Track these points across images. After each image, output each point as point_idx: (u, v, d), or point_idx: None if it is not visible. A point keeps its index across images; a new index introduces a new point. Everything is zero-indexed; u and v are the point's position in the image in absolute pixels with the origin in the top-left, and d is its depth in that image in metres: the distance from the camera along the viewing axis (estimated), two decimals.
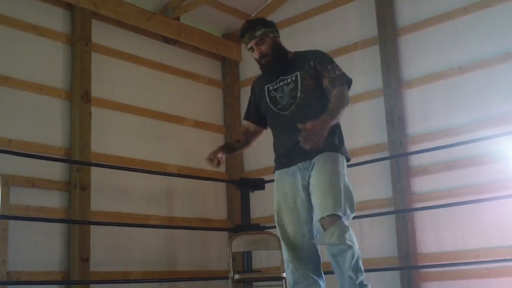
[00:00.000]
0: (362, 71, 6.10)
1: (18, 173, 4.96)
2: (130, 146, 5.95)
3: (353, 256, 3.01)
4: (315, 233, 3.17)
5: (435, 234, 5.38)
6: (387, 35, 5.83)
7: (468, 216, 5.14)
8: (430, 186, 5.46)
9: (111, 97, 5.86)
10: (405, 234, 5.43)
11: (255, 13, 7.00)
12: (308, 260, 3.18)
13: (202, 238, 6.33)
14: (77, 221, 5.21)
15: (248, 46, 3.28)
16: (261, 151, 6.75)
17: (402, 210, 5.45)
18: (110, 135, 5.81)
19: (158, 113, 6.25)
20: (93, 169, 5.44)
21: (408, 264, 5.33)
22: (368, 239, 5.80)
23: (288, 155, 3.22)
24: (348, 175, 3.20)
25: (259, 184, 5.77)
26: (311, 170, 3.13)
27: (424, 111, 5.63)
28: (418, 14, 5.74)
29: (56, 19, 5.59)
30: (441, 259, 5.24)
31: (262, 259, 6.21)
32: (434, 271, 5.29)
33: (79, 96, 5.48)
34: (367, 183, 5.87)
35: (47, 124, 5.37)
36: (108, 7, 5.81)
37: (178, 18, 6.51)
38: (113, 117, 5.87)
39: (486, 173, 5.10)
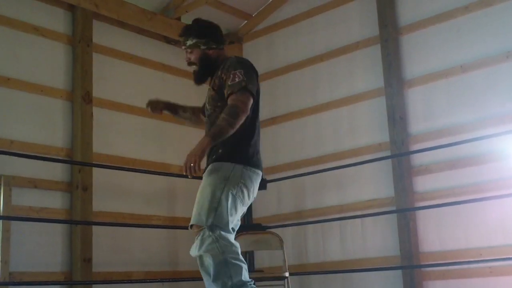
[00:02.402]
0: (364, 70, 6.10)
1: (20, 174, 4.97)
2: (131, 147, 5.96)
3: (218, 264, 2.96)
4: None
5: (438, 233, 5.37)
6: (389, 34, 5.83)
7: (471, 215, 5.13)
8: (432, 185, 5.45)
9: (112, 98, 5.87)
10: (407, 233, 5.42)
11: (256, 13, 7.00)
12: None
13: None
14: (79, 221, 5.21)
15: (182, 48, 3.41)
16: (263, 151, 6.75)
17: (404, 209, 5.44)
18: (111, 135, 5.81)
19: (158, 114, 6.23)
20: (95, 170, 5.44)
21: (411, 263, 5.33)
22: (371, 238, 5.80)
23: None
24: (239, 184, 3.11)
25: (261, 184, 5.71)
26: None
27: (426, 110, 5.62)
28: (419, 13, 5.74)
29: (57, 20, 5.59)
30: (443, 258, 5.24)
31: (264, 259, 6.21)
32: (437, 270, 5.28)
33: (80, 97, 5.48)
34: (369, 182, 5.87)
35: (49, 125, 5.37)
36: (109, 7, 5.81)
37: (179, 18, 6.51)
38: (114, 117, 5.87)
39: (488, 171, 5.09)
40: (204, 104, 3.40)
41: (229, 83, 3.12)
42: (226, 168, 3.10)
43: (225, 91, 3.14)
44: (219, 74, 3.23)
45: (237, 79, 3.11)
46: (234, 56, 3.35)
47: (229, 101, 3.08)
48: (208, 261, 2.98)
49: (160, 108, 3.56)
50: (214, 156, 3.16)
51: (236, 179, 3.09)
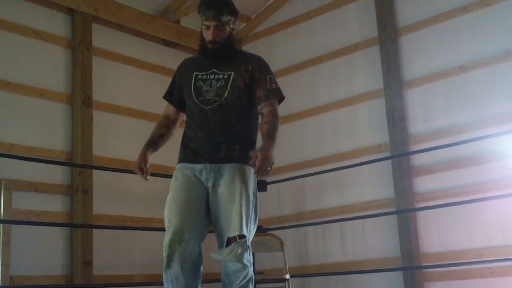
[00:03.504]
0: (363, 72, 6.11)
1: (20, 178, 4.97)
2: (131, 149, 5.90)
3: (245, 277, 2.94)
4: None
5: (438, 233, 5.37)
6: (388, 35, 5.83)
7: (471, 215, 5.13)
8: (432, 186, 5.45)
9: (112, 101, 5.87)
10: (408, 234, 5.42)
11: (255, 15, 7.01)
12: (191, 260, 2.98)
13: (205, 240, 6.31)
14: (80, 224, 5.22)
15: (207, 23, 3.02)
16: None
17: (404, 210, 5.44)
18: (111, 138, 5.81)
19: (159, 116, 6.20)
20: (95, 173, 5.45)
21: (411, 264, 5.32)
22: (371, 239, 5.79)
23: (199, 152, 3.02)
24: (255, 189, 3.09)
25: (262, 186, 5.73)
26: (220, 178, 2.98)
27: (425, 110, 5.62)
28: (418, 13, 5.74)
29: (57, 24, 5.60)
30: (444, 259, 5.23)
31: (264, 261, 6.20)
32: (437, 271, 5.28)
33: (80, 100, 5.49)
34: (369, 183, 5.87)
35: (49, 128, 5.38)
36: (109, 11, 5.82)
37: (178, 21, 6.53)
38: (114, 120, 5.88)
39: (488, 171, 5.09)
40: (196, 92, 3.09)
41: (268, 87, 3.09)
42: (249, 173, 3.02)
43: (260, 92, 3.08)
44: (249, 68, 3.10)
45: (274, 86, 3.13)
46: (257, 55, 3.27)
47: (269, 108, 3.05)
48: (243, 272, 2.93)
49: (148, 169, 3.20)
50: (235, 154, 3.01)
51: (255, 186, 3.10)
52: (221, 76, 3.07)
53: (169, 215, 2.97)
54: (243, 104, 3.07)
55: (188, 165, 3.05)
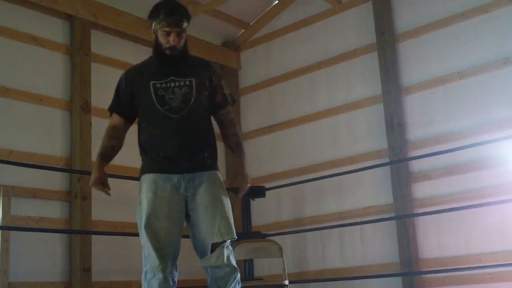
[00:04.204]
0: (361, 78, 6.12)
1: (19, 184, 4.96)
2: (130, 155, 5.89)
3: (234, 279, 2.96)
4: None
5: (437, 239, 5.37)
6: (386, 41, 5.85)
7: (470, 221, 5.14)
8: (431, 191, 5.45)
9: None
10: (407, 240, 5.42)
11: (253, 21, 7.03)
12: (172, 271, 2.99)
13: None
14: (78, 231, 5.21)
15: (167, 29, 2.97)
16: (261, 159, 6.78)
17: (403, 216, 5.45)
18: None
19: None
20: None
21: (410, 270, 5.32)
22: (370, 245, 5.79)
23: (174, 161, 2.97)
24: None
25: (260, 192, 5.76)
26: (199, 186, 2.98)
27: (424, 116, 5.63)
28: (416, 20, 5.76)
29: (56, 30, 5.60)
30: (443, 264, 5.23)
31: (263, 267, 6.20)
32: (437, 277, 5.28)
33: (79, 106, 5.49)
34: (368, 189, 5.87)
35: (48, 135, 5.37)
36: (108, 17, 5.83)
37: None
38: None
39: (487, 177, 5.10)
40: (150, 100, 3.02)
41: (225, 92, 3.16)
42: (222, 179, 3.12)
43: (219, 98, 3.14)
44: (207, 74, 3.11)
45: (227, 91, 3.20)
46: (209, 61, 3.29)
47: (231, 116, 3.17)
48: (233, 275, 2.96)
49: (107, 186, 3.22)
50: (208, 162, 3.05)
51: None
52: (182, 83, 3.03)
53: (153, 235, 2.91)
54: (206, 110, 3.12)
55: (165, 175, 2.98)
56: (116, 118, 3.19)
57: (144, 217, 2.94)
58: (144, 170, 3.08)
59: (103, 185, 3.16)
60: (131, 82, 3.15)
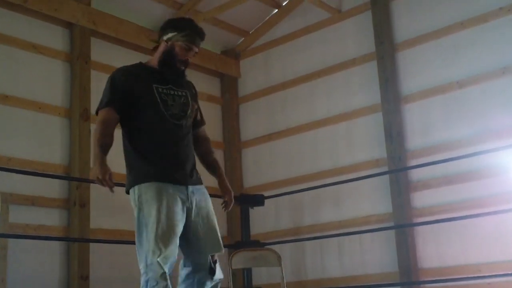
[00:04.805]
0: (361, 87, 6.13)
1: (17, 191, 4.96)
2: None
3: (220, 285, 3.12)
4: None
5: (436, 248, 5.36)
6: (385, 50, 5.86)
7: (469, 230, 5.13)
8: (430, 201, 5.45)
9: None
10: (406, 249, 5.41)
11: (253, 30, 7.04)
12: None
13: None
14: (77, 239, 5.19)
15: (190, 46, 3.09)
16: (260, 168, 6.78)
17: (402, 225, 5.44)
18: (109, 152, 5.78)
19: None
20: (93, 186, 5.42)
21: (409, 280, 5.31)
22: (369, 254, 5.78)
23: (181, 173, 3.01)
24: None
25: (259, 200, 5.76)
26: (199, 198, 3.05)
27: (423, 125, 5.64)
28: (415, 29, 5.78)
29: (56, 38, 5.61)
30: (442, 274, 5.22)
31: (262, 276, 6.18)
32: (436, 286, 5.26)
33: (78, 114, 5.49)
34: (367, 198, 5.87)
35: (47, 142, 5.37)
36: (107, 25, 5.84)
37: None
38: None
39: (486, 186, 5.10)
40: (162, 105, 3.04)
41: (201, 112, 3.32)
42: None
43: (199, 115, 3.28)
44: (194, 91, 3.27)
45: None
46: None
47: (206, 133, 3.34)
48: (219, 285, 3.07)
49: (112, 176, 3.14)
50: (198, 178, 3.13)
51: None
52: (179, 93, 3.12)
53: (163, 245, 2.88)
54: (192, 124, 3.21)
55: (173, 185, 2.97)
56: (112, 114, 3.09)
57: (155, 226, 2.88)
58: (148, 177, 3.00)
59: (107, 182, 3.10)
60: (127, 80, 3.10)
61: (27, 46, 5.36)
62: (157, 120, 3.02)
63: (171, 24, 3.13)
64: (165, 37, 3.10)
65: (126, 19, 6.02)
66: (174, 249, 2.91)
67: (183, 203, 2.97)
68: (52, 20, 5.57)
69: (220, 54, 7.12)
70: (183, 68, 3.13)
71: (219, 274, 3.03)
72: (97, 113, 3.12)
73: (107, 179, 3.05)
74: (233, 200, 3.27)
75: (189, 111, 3.10)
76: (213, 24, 6.62)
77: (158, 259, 2.87)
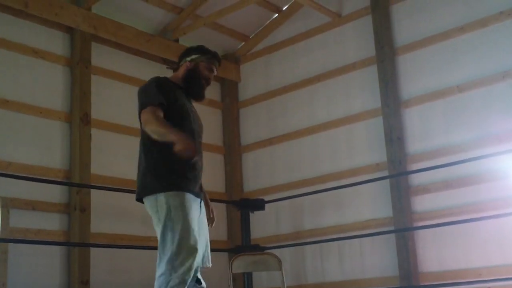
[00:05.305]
0: (361, 91, 6.13)
1: (17, 196, 4.96)
2: (130, 168, 5.90)
3: None
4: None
5: (436, 253, 5.36)
6: (385, 54, 5.87)
7: (469, 235, 5.13)
8: (430, 205, 5.45)
9: (111, 119, 5.88)
10: (406, 253, 5.40)
11: (253, 34, 7.05)
12: None
13: None
14: (77, 243, 5.19)
15: (213, 69, 3.48)
16: (261, 172, 6.78)
17: (402, 229, 5.44)
18: (110, 157, 5.81)
19: None
20: (93, 191, 5.43)
21: (410, 284, 5.30)
22: (369, 258, 5.78)
23: (197, 185, 3.23)
24: None
25: (259, 205, 5.76)
26: (203, 211, 3.32)
27: (423, 129, 5.64)
28: (415, 33, 5.79)
29: (56, 42, 5.62)
30: (442, 278, 5.22)
31: (262, 280, 6.18)
32: None
33: (78, 118, 5.49)
34: (367, 202, 5.87)
35: (47, 147, 5.37)
36: (108, 30, 5.85)
37: (177, 40, 6.56)
38: (113, 139, 5.87)
39: (486, 191, 5.10)
40: (191, 119, 3.26)
41: None
42: None
43: None
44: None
45: None
46: None
47: None
48: None
49: None
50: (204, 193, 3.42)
51: None
52: (194, 109, 3.37)
53: (196, 253, 3.05)
54: None
55: (195, 197, 3.17)
56: (161, 113, 3.13)
57: (194, 234, 3.03)
58: (181, 187, 3.08)
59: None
60: (170, 89, 3.25)
61: (27, 51, 5.37)
62: (189, 132, 3.16)
63: (194, 49, 3.45)
64: (188, 58, 3.40)
65: (126, 24, 6.03)
66: (198, 258, 3.12)
67: (199, 214, 3.23)
68: (52, 25, 5.58)
69: (221, 59, 7.11)
70: (206, 86, 3.43)
71: (203, 282, 3.22)
72: (144, 106, 3.15)
73: (194, 148, 3.00)
74: (214, 219, 3.51)
75: (202, 129, 3.38)
76: (213, 29, 6.64)
77: (193, 268, 3.03)
